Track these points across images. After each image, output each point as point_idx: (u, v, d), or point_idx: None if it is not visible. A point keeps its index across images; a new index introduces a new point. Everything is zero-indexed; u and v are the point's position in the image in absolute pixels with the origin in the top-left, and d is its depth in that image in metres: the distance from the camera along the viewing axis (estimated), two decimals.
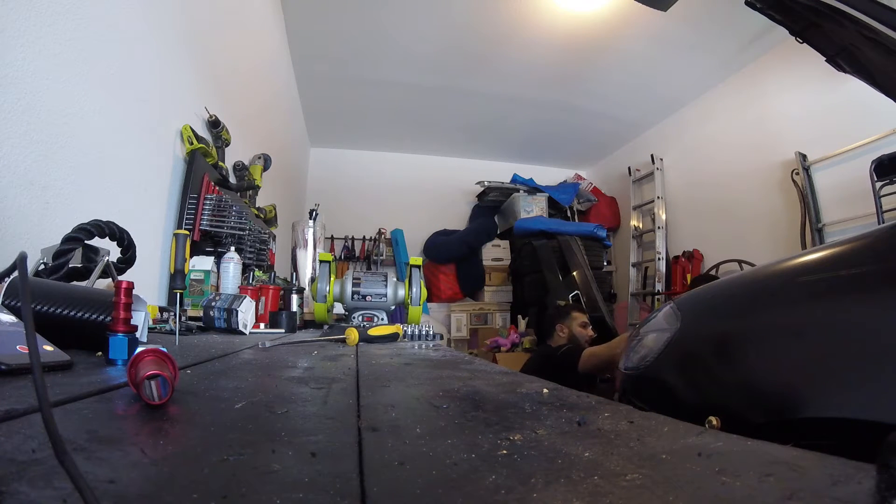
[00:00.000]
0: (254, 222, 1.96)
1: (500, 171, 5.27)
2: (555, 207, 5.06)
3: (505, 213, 5.19)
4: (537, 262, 4.33)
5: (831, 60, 1.15)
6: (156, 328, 1.05)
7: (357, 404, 0.40)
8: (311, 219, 2.48)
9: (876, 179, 2.50)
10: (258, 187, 2.41)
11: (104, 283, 0.90)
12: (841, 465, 0.23)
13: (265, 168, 2.49)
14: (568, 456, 0.26)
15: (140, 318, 0.63)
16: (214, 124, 1.87)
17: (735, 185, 3.78)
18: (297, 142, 4.52)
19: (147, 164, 1.41)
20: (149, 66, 1.38)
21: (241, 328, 1.21)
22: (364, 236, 5.21)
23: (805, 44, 1.16)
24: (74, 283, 0.79)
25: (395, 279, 1.63)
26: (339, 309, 1.74)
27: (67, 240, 0.80)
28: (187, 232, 0.92)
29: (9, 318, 0.48)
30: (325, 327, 1.64)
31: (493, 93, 4.17)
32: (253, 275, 1.80)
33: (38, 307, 0.57)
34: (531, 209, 4.85)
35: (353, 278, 1.58)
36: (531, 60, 3.66)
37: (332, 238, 5.07)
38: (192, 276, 1.47)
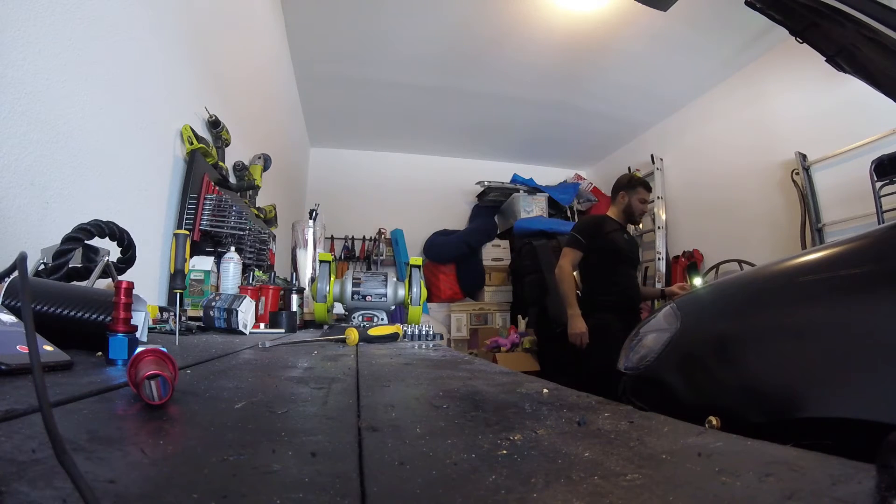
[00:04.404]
0: (254, 222, 1.96)
1: (500, 171, 5.27)
2: (555, 207, 5.06)
3: (505, 213, 5.19)
4: (537, 262, 4.33)
5: (831, 60, 1.15)
6: (156, 328, 1.05)
7: (357, 404, 0.40)
8: (311, 219, 2.48)
9: (876, 179, 2.50)
10: (258, 187, 2.41)
11: (104, 283, 0.90)
12: (841, 465, 0.23)
13: (265, 168, 2.49)
14: (568, 456, 0.26)
15: (140, 318, 0.63)
16: (214, 124, 1.87)
17: (735, 185, 3.78)
18: (297, 142, 4.52)
19: (147, 164, 1.41)
20: (149, 66, 1.38)
21: (241, 328, 1.21)
22: (364, 236, 5.21)
23: (805, 44, 1.16)
24: (74, 283, 0.79)
25: (395, 279, 1.63)
26: (339, 309, 1.74)
27: (67, 240, 0.80)
28: (187, 232, 0.92)
29: (9, 318, 0.48)
30: (325, 327, 1.64)
31: (493, 93, 4.17)
32: (253, 275, 1.80)
33: (38, 307, 0.57)
34: (531, 209, 4.85)
35: (353, 278, 1.58)
36: (531, 60, 3.66)
37: (332, 238, 5.07)
38: (192, 276, 1.47)
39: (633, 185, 2.66)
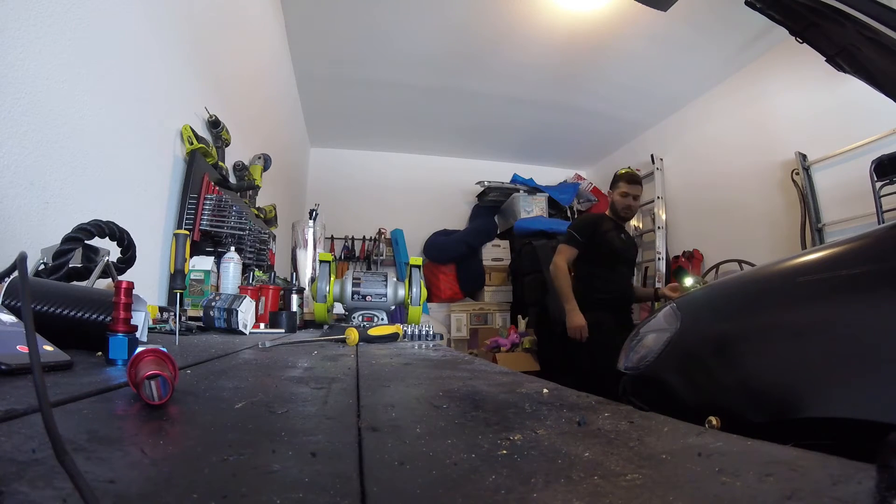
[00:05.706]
0: (254, 222, 1.96)
1: (500, 171, 5.26)
2: (555, 207, 5.06)
3: (505, 213, 5.19)
4: (537, 262, 4.33)
5: (831, 60, 1.15)
6: (156, 328, 1.05)
7: (357, 404, 0.40)
8: (311, 219, 2.48)
9: (876, 179, 2.50)
10: (258, 187, 2.41)
11: (104, 283, 0.90)
12: (841, 465, 0.23)
13: (265, 168, 2.49)
14: (568, 456, 0.26)
15: (140, 318, 0.63)
16: (214, 124, 1.86)
17: (735, 185, 3.77)
18: (297, 142, 4.52)
19: (147, 164, 1.41)
20: (149, 66, 1.38)
21: (241, 328, 1.21)
22: (364, 236, 5.21)
23: (805, 44, 1.16)
24: (74, 283, 0.79)
25: (395, 279, 1.63)
26: (339, 309, 1.74)
27: (67, 240, 0.80)
28: (187, 232, 0.92)
29: (9, 318, 0.48)
30: (325, 327, 1.64)
31: (493, 93, 4.16)
32: (253, 275, 1.80)
33: (38, 307, 0.57)
34: (531, 209, 4.85)
35: (353, 278, 1.58)
36: (531, 60, 3.66)
37: (332, 238, 5.07)
38: (192, 276, 1.47)
39: (615, 181, 2.70)
